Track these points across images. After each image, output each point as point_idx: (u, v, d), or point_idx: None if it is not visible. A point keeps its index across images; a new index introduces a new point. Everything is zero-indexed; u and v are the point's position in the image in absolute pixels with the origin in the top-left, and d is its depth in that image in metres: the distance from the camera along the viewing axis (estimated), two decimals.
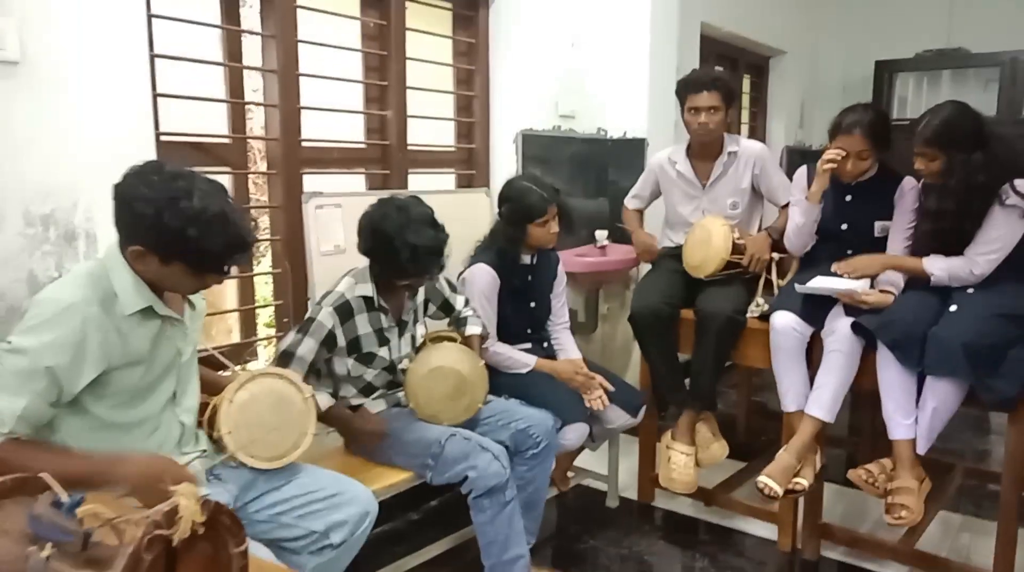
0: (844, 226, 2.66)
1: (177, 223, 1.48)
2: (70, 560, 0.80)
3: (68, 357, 1.47)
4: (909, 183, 2.56)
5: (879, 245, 2.61)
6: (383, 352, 2.27)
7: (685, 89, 2.83)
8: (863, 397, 2.87)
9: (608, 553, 2.73)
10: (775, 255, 2.81)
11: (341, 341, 2.20)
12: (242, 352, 2.58)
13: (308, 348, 2.15)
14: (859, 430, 3.37)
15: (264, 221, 2.75)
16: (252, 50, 2.60)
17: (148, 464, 1.55)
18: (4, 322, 1.85)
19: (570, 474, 3.07)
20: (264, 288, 3.18)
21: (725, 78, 2.87)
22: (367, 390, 2.31)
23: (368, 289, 2.22)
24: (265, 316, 3.08)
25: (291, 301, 2.64)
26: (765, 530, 2.82)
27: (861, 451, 3.17)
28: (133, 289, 1.57)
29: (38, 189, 1.93)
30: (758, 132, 5.51)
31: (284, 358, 2.14)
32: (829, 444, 3.51)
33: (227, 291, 2.69)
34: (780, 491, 2.40)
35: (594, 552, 2.74)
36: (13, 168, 1.88)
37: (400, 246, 2.09)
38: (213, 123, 2.54)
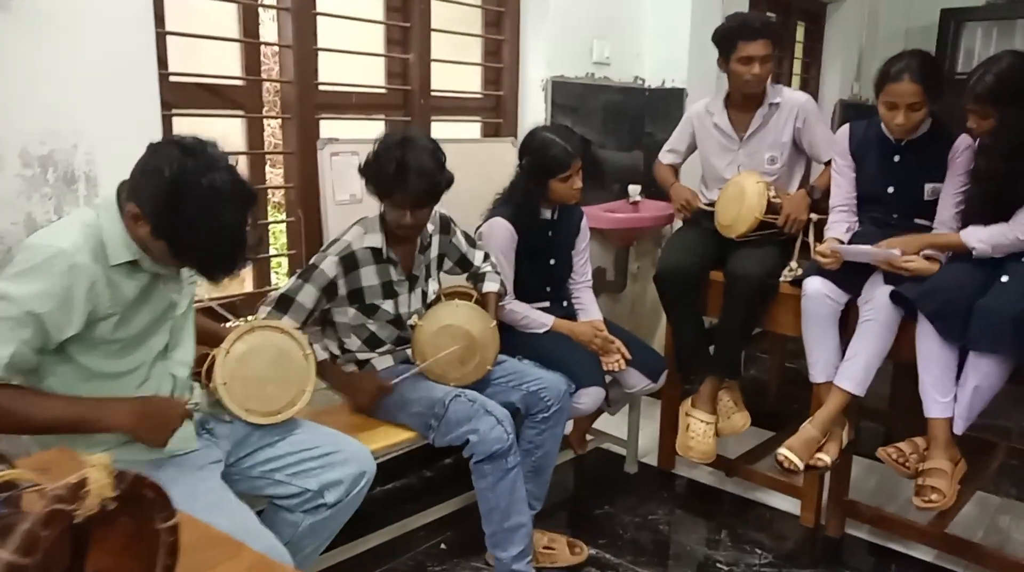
0: (891, 189, 2.46)
1: (183, 217, 1.41)
2: None
3: (55, 304, 1.43)
4: (964, 142, 2.34)
5: (929, 209, 2.42)
6: (387, 305, 2.19)
7: (736, 35, 2.61)
8: (906, 369, 2.72)
9: (623, 520, 2.65)
10: (814, 216, 2.62)
11: (342, 290, 2.13)
12: (255, 302, 2.53)
13: (309, 295, 2.08)
14: (900, 403, 3.21)
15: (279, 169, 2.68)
16: None
17: (142, 405, 1.54)
18: (1, 265, 1.82)
19: (589, 437, 2.99)
20: (280, 237, 3.13)
21: (774, 21, 2.66)
22: (372, 342, 2.23)
23: (377, 239, 2.14)
24: (279, 265, 3.02)
25: (304, 251, 2.57)
26: (788, 504, 2.71)
27: (898, 427, 3.01)
28: (121, 241, 1.51)
29: (36, 130, 1.87)
30: (811, 85, 5.22)
31: (283, 302, 2.08)
32: (866, 417, 3.38)
33: None
34: (801, 465, 2.28)
35: (608, 518, 2.67)
36: (9, 109, 1.82)
37: (387, 160, 2.00)
38: (232, 67, 2.46)
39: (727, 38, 2.64)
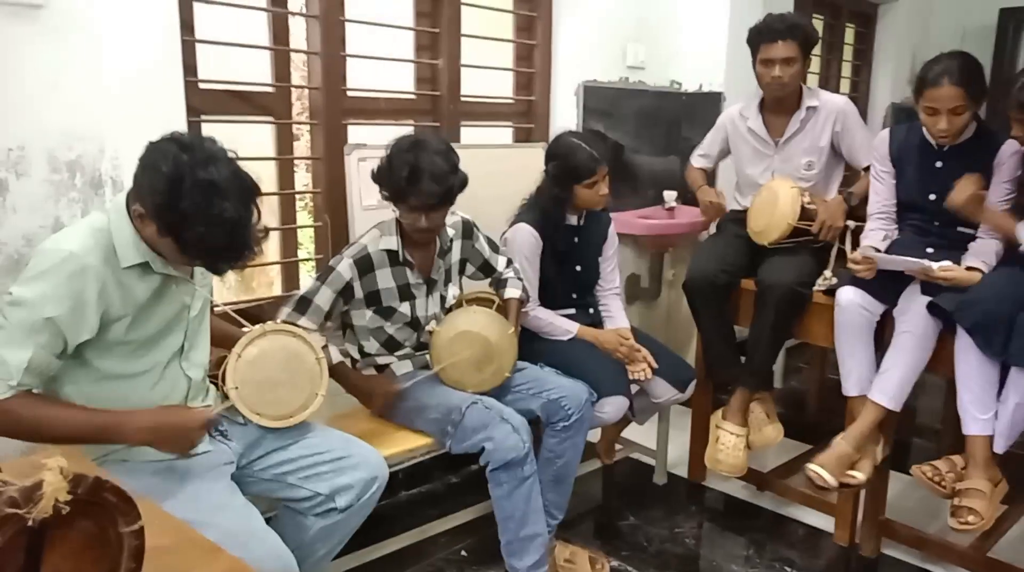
0: (932, 196, 2.36)
1: (182, 211, 1.42)
2: None
3: (67, 307, 1.45)
4: (1011, 147, 2.24)
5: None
6: (404, 308, 2.18)
7: (757, 37, 2.57)
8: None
9: (648, 532, 2.60)
10: (850, 223, 2.52)
11: (359, 293, 2.13)
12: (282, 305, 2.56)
13: (325, 297, 2.10)
14: (951, 420, 3.08)
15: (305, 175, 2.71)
16: None
17: (159, 417, 1.55)
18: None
19: (617, 446, 2.94)
20: (308, 241, 3.16)
21: (804, 24, 2.57)
22: (390, 345, 2.23)
23: (393, 242, 2.13)
24: (307, 269, 3.05)
25: (331, 255, 2.57)
26: (822, 521, 2.62)
27: (948, 444, 2.88)
28: (131, 244, 1.53)
29: (63, 135, 1.92)
30: (861, 88, 5.07)
31: (301, 303, 2.10)
32: (911, 433, 3.25)
33: (270, 244, 2.66)
34: (833, 482, 2.19)
35: (634, 530, 2.61)
36: (38, 114, 1.87)
37: (399, 165, 1.99)
38: (263, 73, 2.49)
39: (751, 40, 2.60)
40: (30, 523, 0.76)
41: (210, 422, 1.61)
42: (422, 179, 1.97)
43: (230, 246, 1.49)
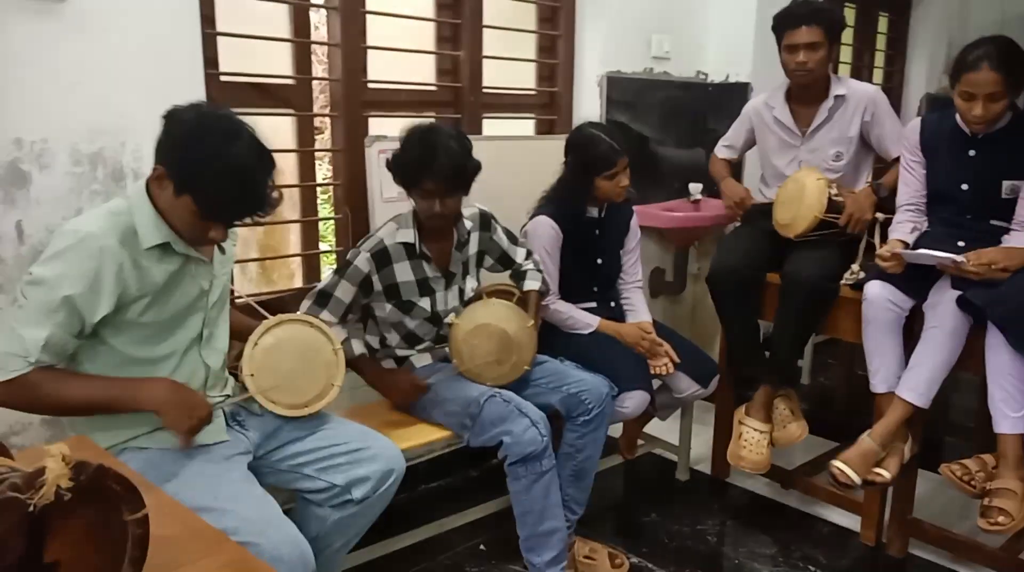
0: (964, 186, 2.29)
1: (201, 155, 1.48)
2: None
3: (84, 286, 1.48)
4: None
5: (1006, 209, 2.24)
6: (424, 302, 2.17)
7: (781, 23, 2.52)
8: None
9: (669, 529, 2.57)
10: (880, 215, 2.47)
11: (377, 286, 2.13)
12: (304, 297, 2.57)
13: (345, 290, 2.10)
14: (984, 418, 3.00)
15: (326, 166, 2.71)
16: None
17: (174, 387, 1.60)
18: None
19: (640, 442, 2.90)
20: (329, 234, 3.17)
21: (829, 8, 2.51)
22: (411, 339, 2.22)
23: (410, 235, 2.13)
24: (328, 261, 3.06)
25: (351, 248, 2.57)
26: (848, 520, 2.56)
27: (976, 442, 2.81)
28: (152, 224, 1.56)
29: (86, 128, 1.94)
30: (895, 78, 4.96)
31: (321, 297, 2.11)
32: (943, 431, 3.17)
33: (290, 236, 2.67)
34: (857, 480, 2.15)
35: (655, 526, 2.58)
36: (61, 107, 1.89)
37: (411, 148, 2.01)
38: (283, 66, 2.49)
39: (776, 26, 2.55)
40: (31, 509, 0.76)
41: (212, 414, 1.63)
42: (436, 160, 1.98)
43: (242, 197, 1.52)
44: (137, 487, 0.86)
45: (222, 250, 1.74)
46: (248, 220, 1.58)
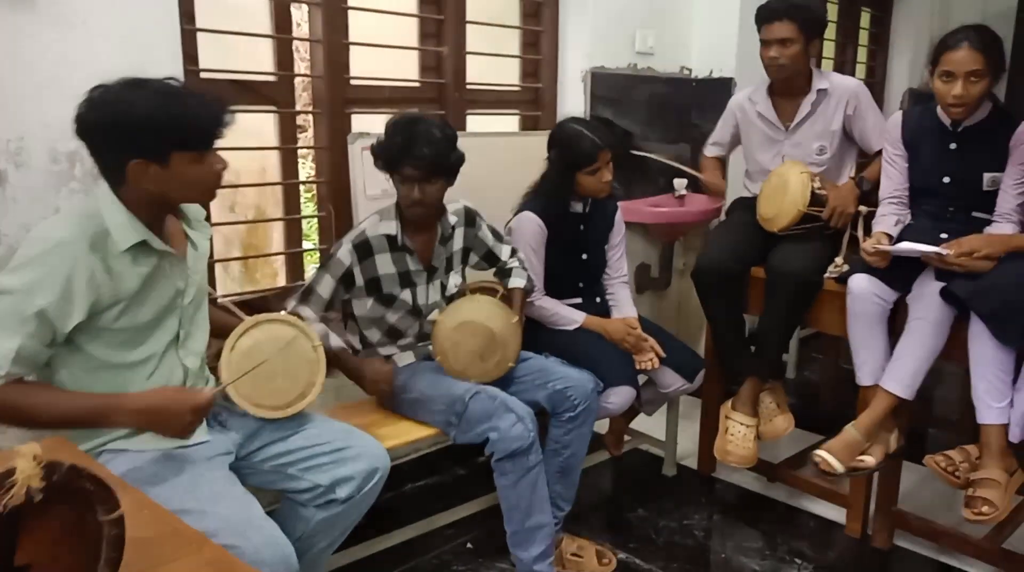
0: (946, 179, 2.31)
1: (152, 106, 1.46)
2: None
3: (55, 295, 1.44)
4: None
5: (988, 201, 2.26)
6: (405, 295, 2.16)
7: (758, 17, 2.53)
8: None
9: (657, 524, 2.56)
10: (863, 209, 2.47)
11: (359, 280, 2.12)
12: (288, 296, 2.55)
13: (326, 285, 2.09)
14: (969, 408, 3.02)
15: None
16: None
17: (153, 399, 1.53)
18: None
19: (626, 437, 2.90)
20: (313, 232, 3.15)
21: (805, 4, 2.50)
22: (392, 333, 2.21)
23: (392, 227, 2.12)
24: (312, 260, 3.04)
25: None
26: (834, 512, 2.57)
27: (961, 433, 2.82)
28: (127, 224, 1.52)
29: (63, 126, 1.87)
30: (877, 73, 4.99)
31: (305, 294, 2.10)
32: (928, 423, 3.19)
33: (273, 234, 2.65)
34: (840, 468, 2.15)
35: (642, 522, 2.58)
36: (37, 105, 1.86)
37: (394, 134, 2.02)
38: (265, 62, 2.47)
39: (756, 21, 2.56)
40: (2, 510, 0.74)
41: (205, 404, 1.56)
42: (416, 144, 1.98)
43: (208, 100, 1.54)
44: (112, 487, 0.85)
45: (195, 246, 1.71)
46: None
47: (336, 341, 2.12)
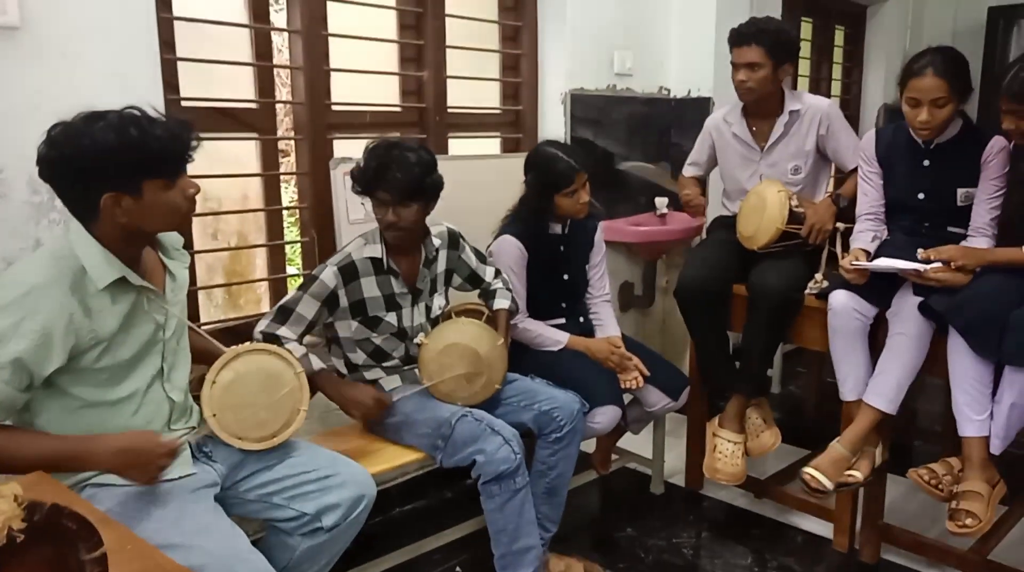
0: (921, 195, 2.34)
1: (117, 137, 1.44)
2: None
3: (32, 342, 1.41)
4: (998, 143, 2.21)
5: (962, 216, 2.29)
6: (390, 317, 2.16)
7: (729, 41, 2.57)
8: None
9: (646, 543, 2.56)
10: (840, 225, 2.50)
11: (343, 302, 2.11)
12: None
13: (308, 306, 2.08)
14: (951, 422, 3.05)
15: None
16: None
17: (126, 441, 1.51)
18: None
19: (613, 457, 2.90)
20: (296, 258, 3.15)
21: (773, 29, 2.54)
22: (377, 355, 2.21)
23: (377, 250, 2.12)
24: (295, 285, 3.04)
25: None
26: (821, 527, 2.58)
27: (945, 446, 2.84)
28: (103, 262, 1.51)
29: None
30: (852, 90, 5.06)
31: (281, 313, 2.08)
32: (912, 436, 3.22)
33: (256, 260, 2.65)
34: (829, 485, 2.17)
35: (631, 541, 2.58)
36: (16, 135, 1.85)
37: (371, 158, 2.04)
38: (247, 90, 2.48)
39: (728, 43, 2.59)
40: None
41: (178, 449, 1.56)
42: (389, 170, 2.00)
43: (169, 124, 1.51)
44: (95, 525, 0.84)
45: (173, 276, 1.70)
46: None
47: (317, 362, 2.11)
